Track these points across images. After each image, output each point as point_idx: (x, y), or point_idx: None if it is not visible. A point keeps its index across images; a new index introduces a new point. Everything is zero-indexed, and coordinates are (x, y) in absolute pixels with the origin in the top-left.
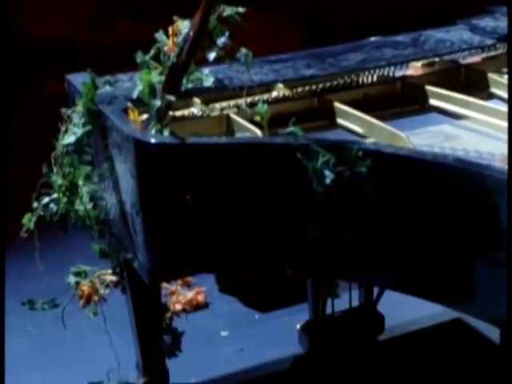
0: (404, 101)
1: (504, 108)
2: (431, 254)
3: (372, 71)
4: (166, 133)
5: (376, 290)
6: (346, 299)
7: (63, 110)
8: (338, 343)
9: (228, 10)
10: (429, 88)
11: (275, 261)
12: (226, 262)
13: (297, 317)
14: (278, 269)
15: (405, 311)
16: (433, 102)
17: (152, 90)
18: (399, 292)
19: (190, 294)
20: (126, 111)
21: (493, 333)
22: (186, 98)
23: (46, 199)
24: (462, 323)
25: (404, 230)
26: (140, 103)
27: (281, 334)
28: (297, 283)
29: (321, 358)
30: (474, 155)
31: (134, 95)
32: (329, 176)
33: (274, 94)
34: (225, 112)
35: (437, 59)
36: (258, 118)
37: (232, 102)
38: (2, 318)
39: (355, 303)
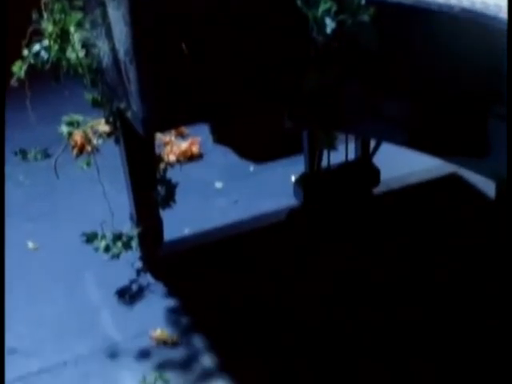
0: None
1: None
2: (436, 106)
3: None
4: None
5: (372, 144)
6: (342, 152)
7: None
8: (333, 196)
9: None
10: None
11: (273, 110)
12: (222, 109)
13: (292, 168)
14: (277, 120)
15: (401, 165)
16: None
17: None
18: (402, 146)
19: (184, 145)
20: None
21: (489, 187)
22: None
23: (36, 47)
24: (457, 177)
25: (408, 82)
26: None
27: (276, 186)
28: (292, 133)
29: (316, 211)
30: (480, 6)
31: None
32: (330, 24)
33: None
34: None
35: None
36: None
37: None
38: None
39: (351, 156)
